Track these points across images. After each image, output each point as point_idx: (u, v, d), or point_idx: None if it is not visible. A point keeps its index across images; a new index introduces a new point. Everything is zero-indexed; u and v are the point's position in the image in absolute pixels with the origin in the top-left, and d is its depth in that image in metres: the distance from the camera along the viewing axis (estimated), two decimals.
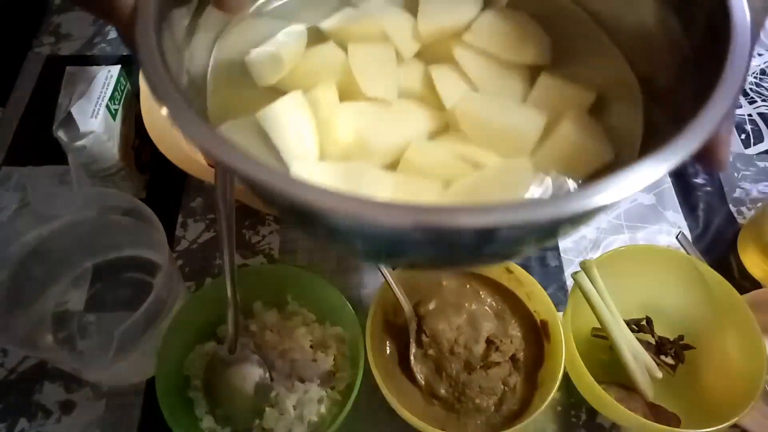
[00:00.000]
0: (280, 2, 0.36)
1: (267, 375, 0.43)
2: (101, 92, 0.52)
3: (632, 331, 0.46)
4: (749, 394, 0.41)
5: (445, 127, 0.34)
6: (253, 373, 0.43)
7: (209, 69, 0.33)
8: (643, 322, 0.48)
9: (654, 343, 0.48)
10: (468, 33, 0.36)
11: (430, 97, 0.35)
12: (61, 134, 0.50)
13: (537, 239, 0.29)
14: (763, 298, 0.49)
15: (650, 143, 0.29)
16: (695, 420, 0.43)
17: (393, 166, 0.32)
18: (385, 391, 0.41)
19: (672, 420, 0.44)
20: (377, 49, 0.35)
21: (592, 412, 0.48)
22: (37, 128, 0.62)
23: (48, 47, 0.72)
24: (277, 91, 0.34)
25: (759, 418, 0.45)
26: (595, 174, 0.30)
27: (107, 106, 0.52)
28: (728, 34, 0.25)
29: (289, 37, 0.35)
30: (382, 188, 0.29)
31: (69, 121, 0.50)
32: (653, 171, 0.21)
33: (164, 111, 0.22)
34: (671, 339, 0.48)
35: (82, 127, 0.50)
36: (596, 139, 0.31)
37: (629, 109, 0.32)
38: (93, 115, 0.51)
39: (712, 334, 0.47)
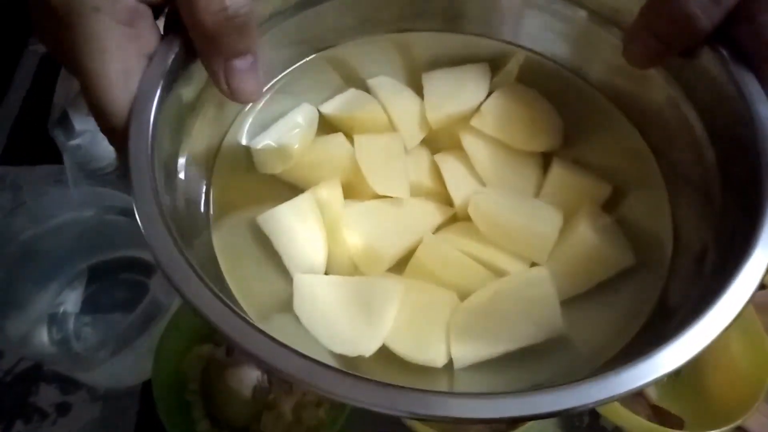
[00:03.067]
0: (285, 83, 0.33)
1: (264, 377, 0.43)
2: None
3: None
4: (753, 396, 0.41)
5: (454, 217, 0.33)
6: (250, 376, 0.42)
7: (216, 156, 0.31)
8: None
9: None
10: (477, 117, 0.33)
11: (439, 189, 0.33)
12: (56, 133, 0.49)
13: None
14: None
15: (685, 254, 0.27)
16: (699, 422, 0.43)
17: (404, 262, 0.30)
18: None
19: (676, 422, 0.44)
20: (384, 141, 0.33)
21: (595, 415, 0.48)
22: (33, 127, 0.61)
23: (43, 45, 0.71)
24: (276, 180, 0.32)
25: (763, 420, 0.44)
26: (616, 277, 0.29)
27: None
28: (751, 128, 0.23)
29: (299, 121, 0.33)
30: (392, 305, 0.28)
31: (64, 120, 0.49)
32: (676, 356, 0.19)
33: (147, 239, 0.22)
34: None
35: (78, 126, 0.49)
36: (614, 243, 0.29)
37: (651, 202, 0.30)
38: (89, 114, 0.50)
39: None
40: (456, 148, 0.34)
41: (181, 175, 0.27)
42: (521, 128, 0.33)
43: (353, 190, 0.32)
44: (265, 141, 0.32)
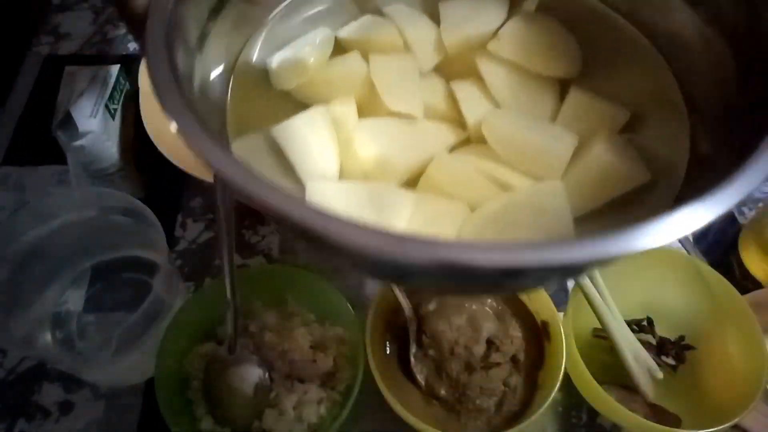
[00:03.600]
0: (301, 5, 0.34)
1: (266, 375, 0.43)
2: (100, 92, 0.52)
3: (633, 331, 0.46)
4: (750, 395, 0.41)
5: (467, 141, 0.33)
6: (252, 374, 0.43)
7: (231, 71, 0.32)
8: (644, 323, 0.48)
9: (655, 343, 0.47)
10: (494, 41, 0.34)
11: (453, 115, 0.33)
12: (60, 134, 0.50)
13: (561, 277, 0.26)
14: (764, 299, 0.48)
15: (697, 169, 0.27)
16: (696, 420, 0.43)
17: (414, 181, 0.30)
18: (385, 391, 0.41)
19: (673, 420, 0.44)
20: (399, 61, 0.34)
21: (593, 413, 0.48)
22: (36, 128, 0.61)
23: (47, 47, 0.72)
24: (291, 98, 0.33)
25: (760, 418, 0.44)
26: (630, 194, 0.29)
27: (106, 106, 0.52)
28: None
29: (315, 41, 0.34)
30: (403, 211, 0.28)
31: (68, 121, 0.50)
32: (695, 217, 0.19)
33: (173, 126, 0.21)
34: (672, 339, 0.48)
35: (81, 127, 0.50)
36: (630, 160, 0.29)
37: (670, 126, 0.30)
38: (92, 115, 0.50)
39: (713, 334, 0.47)
40: (472, 76, 0.34)
41: (197, 85, 0.28)
42: (539, 53, 0.34)
43: (367, 109, 0.33)
44: (282, 56, 0.33)
